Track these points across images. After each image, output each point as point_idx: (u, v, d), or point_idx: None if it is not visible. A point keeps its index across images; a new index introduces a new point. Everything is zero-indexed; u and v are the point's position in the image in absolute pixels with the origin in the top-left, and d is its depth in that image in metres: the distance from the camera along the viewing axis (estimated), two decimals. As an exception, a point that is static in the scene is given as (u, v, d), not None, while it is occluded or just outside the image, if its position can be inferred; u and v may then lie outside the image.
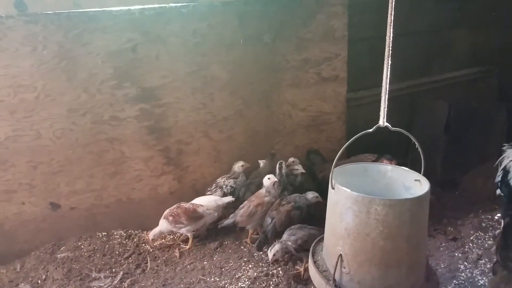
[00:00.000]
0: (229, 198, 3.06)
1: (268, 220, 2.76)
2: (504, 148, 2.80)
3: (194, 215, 2.89)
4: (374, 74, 2.26)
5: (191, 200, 3.04)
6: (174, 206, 2.94)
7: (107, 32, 2.76)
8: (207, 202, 2.99)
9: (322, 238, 2.38)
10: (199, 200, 3.02)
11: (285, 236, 2.55)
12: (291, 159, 3.23)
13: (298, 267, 2.66)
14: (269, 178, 2.84)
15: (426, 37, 4.03)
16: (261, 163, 3.23)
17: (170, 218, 2.87)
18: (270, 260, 2.56)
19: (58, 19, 2.64)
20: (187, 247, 2.96)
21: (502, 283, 2.21)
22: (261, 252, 2.79)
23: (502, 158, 2.68)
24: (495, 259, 2.30)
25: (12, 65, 2.63)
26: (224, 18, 3.01)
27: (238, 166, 3.17)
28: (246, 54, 3.13)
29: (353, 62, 3.40)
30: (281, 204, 2.80)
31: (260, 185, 3.01)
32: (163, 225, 2.90)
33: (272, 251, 2.51)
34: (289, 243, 2.49)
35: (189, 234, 2.95)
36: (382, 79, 2.03)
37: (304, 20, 3.20)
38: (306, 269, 2.54)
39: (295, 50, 3.24)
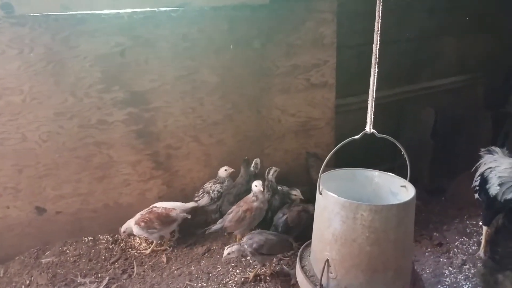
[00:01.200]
0: (192, 204, 3.08)
1: (280, 215, 2.87)
2: (481, 153, 2.87)
3: (167, 220, 2.87)
4: (363, 81, 2.29)
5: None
6: (146, 211, 2.91)
7: (96, 36, 2.75)
8: (171, 207, 2.97)
9: (310, 244, 2.39)
10: (161, 205, 2.99)
11: (244, 239, 2.59)
12: (273, 169, 3.12)
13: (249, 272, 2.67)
14: (256, 186, 2.84)
15: (413, 45, 4.10)
16: (223, 171, 3.16)
17: (142, 224, 2.83)
18: (223, 258, 2.60)
19: (46, 22, 2.62)
20: (148, 252, 2.94)
21: (489, 274, 2.30)
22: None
23: (479, 163, 2.75)
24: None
25: (-2, 68, 2.60)
26: (214, 23, 3.01)
27: (222, 171, 3.17)
28: (235, 58, 3.14)
29: (341, 68, 3.44)
30: (292, 206, 2.94)
31: (238, 195, 3.02)
32: (134, 230, 2.87)
33: (227, 250, 2.53)
34: (246, 246, 2.52)
35: (155, 240, 2.95)
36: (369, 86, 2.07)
37: (294, 27, 3.23)
38: (257, 275, 2.63)
39: (284, 56, 3.26)
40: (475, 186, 2.85)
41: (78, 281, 2.69)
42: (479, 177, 2.81)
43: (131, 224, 2.90)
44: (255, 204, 2.84)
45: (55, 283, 2.66)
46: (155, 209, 2.92)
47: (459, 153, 3.80)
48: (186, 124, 3.16)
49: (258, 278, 2.63)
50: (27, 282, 2.69)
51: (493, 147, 2.92)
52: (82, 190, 3.00)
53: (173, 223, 2.92)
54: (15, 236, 2.91)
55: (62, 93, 2.78)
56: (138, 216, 2.89)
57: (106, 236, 3.11)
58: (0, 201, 2.83)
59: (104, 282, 2.67)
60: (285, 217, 2.84)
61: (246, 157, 3.17)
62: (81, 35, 2.71)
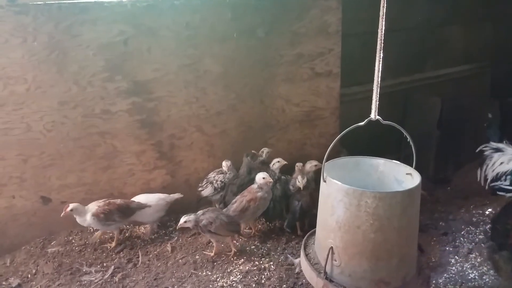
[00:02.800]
0: (177, 195, 3.05)
1: (295, 202, 2.93)
2: (486, 153, 2.82)
3: (127, 211, 2.84)
4: (368, 70, 2.26)
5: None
6: (102, 202, 2.82)
7: (98, 24, 2.73)
8: (156, 199, 2.95)
9: (314, 232, 2.39)
10: (145, 197, 2.97)
11: (199, 212, 2.68)
12: (278, 163, 3.11)
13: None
14: (263, 178, 2.82)
15: (419, 33, 4.05)
16: (225, 165, 3.14)
17: (102, 215, 2.74)
18: (178, 225, 2.66)
19: (49, 10, 2.61)
20: (113, 245, 2.91)
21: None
22: (290, 231, 2.95)
23: (490, 163, 2.69)
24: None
25: (2, 56, 2.59)
26: (217, 11, 2.99)
27: (223, 164, 3.15)
28: (239, 48, 3.11)
29: (346, 57, 3.41)
30: (302, 190, 2.93)
31: (241, 186, 3.01)
32: (91, 222, 2.77)
33: (184, 218, 2.62)
34: (198, 219, 2.63)
35: (116, 232, 2.92)
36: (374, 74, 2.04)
37: (298, 15, 3.19)
38: (219, 253, 2.75)
39: (288, 45, 3.23)
40: (497, 184, 2.79)
41: (84, 270, 2.70)
42: (509, 176, 2.73)
43: (85, 214, 2.76)
44: (259, 194, 2.83)
45: (60, 272, 2.68)
46: (113, 200, 2.86)
47: (465, 143, 3.76)
48: (189, 114, 3.15)
49: (262, 267, 2.63)
50: (33, 271, 2.71)
51: (493, 143, 2.89)
52: (86, 180, 3.00)
53: (132, 215, 2.87)
54: (20, 226, 2.93)
55: (66, 82, 2.77)
56: (94, 207, 2.77)
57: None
58: (6, 191, 2.84)
59: (109, 271, 2.68)
60: (300, 203, 2.89)
61: (252, 151, 3.15)
62: (84, 24, 2.70)
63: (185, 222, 2.63)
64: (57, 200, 2.97)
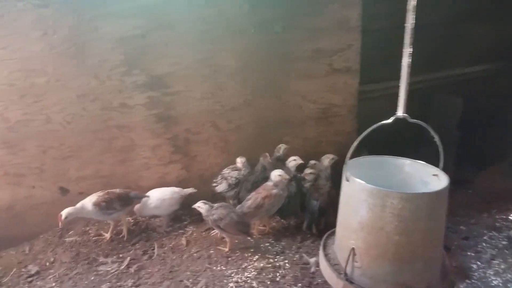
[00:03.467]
0: (191, 190, 3.07)
1: (314, 202, 2.90)
2: None
3: (127, 201, 2.87)
4: (387, 67, 2.21)
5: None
6: (101, 193, 2.83)
7: (118, 18, 2.75)
8: (170, 192, 2.98)
9: (334, 232, 2.34)
10: (161, 191, 3.00)
11: (215, 205, 2.73)
12: (291, 158, 3.10)
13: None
14: (280, 175, 2.78)
15: (442, 30, 3.91)
16: (239, 161, 3.13)
17: (103, 204, 2.76)
18: (193, 205, 2.73)
19: (69, 3, 2.63)
20: (107, 236, 2.94)
21: None
22: (309, 232, 2.92)
23: None
24: None
25: (23, 49, 2.64)
26: (234, 5, 2.96)
27: (237, 161, 3.13)
28: (256, 42, 3.08)
29: (365, 53, 3.32)
30: (318, 188, 2.93)
31: (256, 183, 3.00)
32: (90, 212, 2.76)
33: (200, 203, 2.72)
34: (210, 212, 2.68)
35: (112, 222, 2.95)
36: (395, 72, 1.99)
37: (317, 9, 3.13)
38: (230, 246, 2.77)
39: (307, 40, 3.17)
40: None
41: (100, 260, 2.75)
42: None
43: (82, 208, 2.75)
44: (274, 191, 2.81)
45: (78, 262, 2.73)
46: (111, 190, 2.88)
47: (487, 144, 3.63)
48: (205, 109, 3.14)
49: (277, 265, 2.61)
50: (52, 259, 2.77)
51: None
52: (104, 172, 3.04)
53: (131, 204, 2.90)
54: (40, 215, 3.00)
55: (85, 75, 2.80)
56: (94, 198, 2.79)
57: (128, 218, 3.15)
58: (26, 181, 2.91)
59: (125, 262, 2.71)
60: (318, 203, 2.87)
61: (266, 153, 3.11)
62: (104, 17, 2.72)
63: (199, 206, 2.69)
64: (75, 191, 3.02)
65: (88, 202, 2.78)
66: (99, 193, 2.83)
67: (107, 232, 2.97)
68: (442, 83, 4.01)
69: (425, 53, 3.83)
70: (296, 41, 3.17)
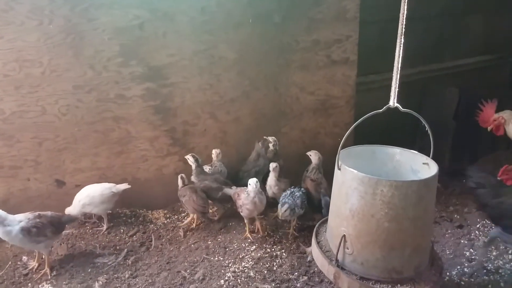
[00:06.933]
0: (124, 186, 2.94)
1: (327, 198, 2.72)
2: None
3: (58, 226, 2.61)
4: (385, 58, 2.21)
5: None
6: (32, 215, 2.51)
7: (114, 8, 2.71)
8: (101, 189, 2.86)
9: (326, 220, 2.36)
10: (90, 187, 2.88)
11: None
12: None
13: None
14: (249, 184, 2.69)
15: (439, 22, 3.94)
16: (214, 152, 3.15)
17: (34, 230, 2.43)
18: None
19: (65, -7, 2.59)
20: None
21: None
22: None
23: None
24: None
25: (18, 39, 2.59)
26: (233, -4, 2.94)
27: (214, 153, 3.13)
28: (254, 33, 3.07)
29: (364, 45, 3.33)
30: (320, 183, 2.95)
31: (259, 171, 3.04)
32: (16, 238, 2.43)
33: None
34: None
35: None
36: (393, 64, 1.99)
37: (315, 0, 3.12)
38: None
39: (305, 31, 3.17)
40: None
41: (97, 252, 2.74)
42: None
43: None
44: (248, 200, 2.69)
45: (74, 254, 2.72)
46: (44, 213, 2.57)
47: (482, 135, 3.67)
48: (203, 101, 3.13)
49: (274, 254, 2.63)
50: (48, 252, 2.75)
51: None
52: (100, 164, 3.02)
53: (64, 229, 2.66)
54: (35, 208, 2.92)
55: (81, 66, 2.77)
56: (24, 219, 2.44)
57: (125, 210, 3.15)
58: (21, 173, 2.87)
59: (122, 254, 2.71)
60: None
61: (264, 137, 3.16)
62: (100, 7, 2.68)
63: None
64: (71, 183, 2.99)
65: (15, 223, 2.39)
66: (29, 215, 2.48)
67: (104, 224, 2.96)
68: (439, 75, 4.04)
69: (423, 45, 3.86)
70: (295, 32, 3.16)
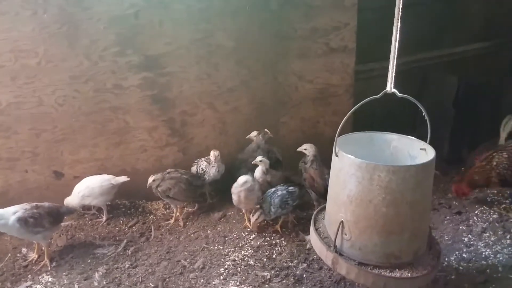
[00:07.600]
0: (124, 178, 2.92)
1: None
2: None
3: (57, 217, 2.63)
4: (385, 46, 2.18)
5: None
6: (29, 205, 2.52)
7: (109, -4, 2.67)
8: (100, 181, 2.85)
9: (324, 207, 2.37)
10: (90, 179, 2.87)
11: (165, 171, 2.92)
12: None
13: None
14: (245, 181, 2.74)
15: (437, 8, 3.89)
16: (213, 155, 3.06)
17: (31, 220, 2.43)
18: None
19: (59, -19, 2.55)
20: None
21: None
22: None
23: None
24: None
25: (13, 29, 2.56)
26: (230, -17, 2.90)
27: (212, 155, 3.04)
28: (252, 21, 3.03)
29: (362, 32, 3.29)
30: (323, 174, 2.87)
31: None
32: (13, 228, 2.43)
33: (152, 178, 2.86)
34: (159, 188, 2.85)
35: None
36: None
37: (313, -13, 3.08)
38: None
39: (303, 18, 3.13)
40: None
41: (97, 243, 2.74)
42: None
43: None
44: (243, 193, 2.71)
45: (74, 245, 2.72)
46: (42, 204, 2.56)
47: (482, 122, 3.67)
48: (201, 91, 3.10)
49: (273, 242, 2.63)
50: (48, 243, 2.76)
51: None
52: (99, 155, 3.01)
53: (62, 219, 2.68)
54: (33, 200, 2.90)
55: (77, 56, 2.74)
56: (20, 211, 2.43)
57: (124, 201, 3.15)
58: (19, 165, 2.86)
59: (122, 245, 2.71)
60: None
61: (265, 129, 3.13)
62: (95, -5, 2.64)
63: (153, 181, 2.79)
64: (69, 174, 2.99)
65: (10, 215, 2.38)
66: (26, 206, 2.48)
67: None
68: (438, 62, 4.01)
69: (422, 32, 3.82)
70: (293, 19, 3.12)
